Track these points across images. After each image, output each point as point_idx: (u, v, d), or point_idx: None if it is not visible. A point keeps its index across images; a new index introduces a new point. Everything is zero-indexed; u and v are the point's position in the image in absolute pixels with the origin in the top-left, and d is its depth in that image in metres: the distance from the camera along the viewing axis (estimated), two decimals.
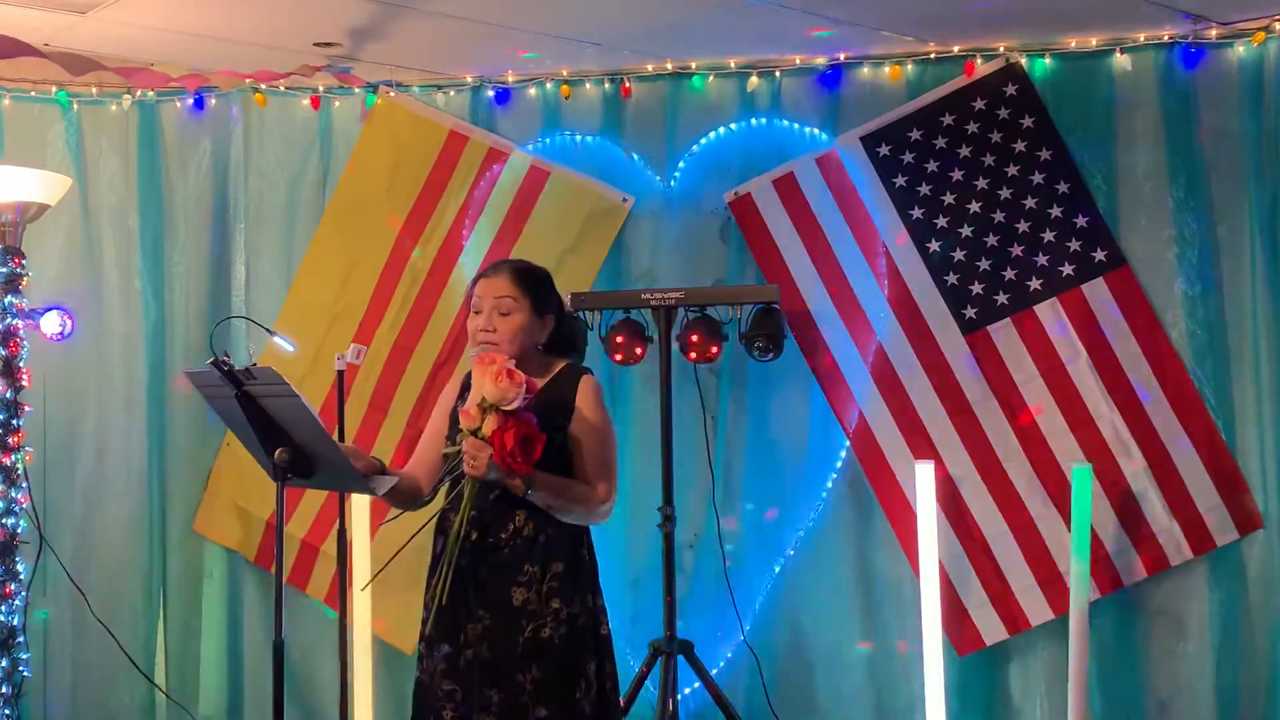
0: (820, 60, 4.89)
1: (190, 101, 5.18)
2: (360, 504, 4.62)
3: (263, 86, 5.12)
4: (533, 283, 3.20)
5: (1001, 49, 4.77)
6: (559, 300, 3.29)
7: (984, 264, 4.77)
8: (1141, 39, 4.67)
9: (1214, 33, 4.60)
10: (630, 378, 4.90)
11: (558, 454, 3.10)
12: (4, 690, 4.49)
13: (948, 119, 4.80)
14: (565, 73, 5.03)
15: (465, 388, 3.22)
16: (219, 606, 5.18)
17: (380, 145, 5.09)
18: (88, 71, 4.83)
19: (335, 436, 3.40)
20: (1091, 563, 4.49)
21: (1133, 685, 4.68)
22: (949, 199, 4.80)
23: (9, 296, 4.51)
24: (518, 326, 3.14)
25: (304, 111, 5.16)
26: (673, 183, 5.01)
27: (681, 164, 5.00)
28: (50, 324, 4.56)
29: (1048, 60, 4.75)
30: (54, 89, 5.10)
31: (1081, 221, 4.70)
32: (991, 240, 4.77)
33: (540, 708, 3.03)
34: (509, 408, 2.92)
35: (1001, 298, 4.76)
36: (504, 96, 5.09)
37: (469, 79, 5.09)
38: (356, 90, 5.15)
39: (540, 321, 3.20)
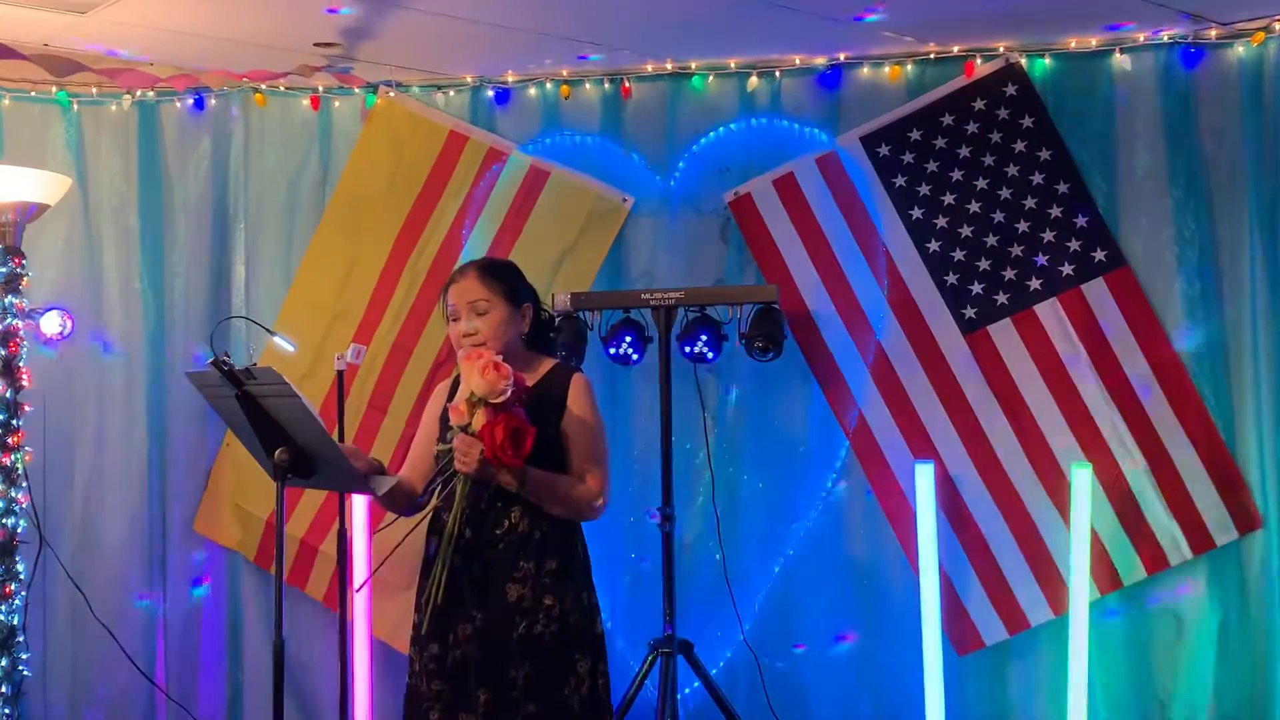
0: (820, 60, 4.89)
1: (190, 101, 5.18)
2: (360, 504, 4.62)
3: (263, 86, 5.12)
4: (500, 276, 3.22)
5: (1001, 49, 4.77)
6: (531, 287, 3.31)
7: (984, 264, 4.77)
8: (1141, 39, 4.67)
9: (1214, 33, 4.60)
10: (630, 378, 4.90)
11: (550, 452, 3.11)
12: (4, 690, 4.49)
13: (947, 119, 4.80)
14: (565, 73, 5.03)
15: (454, 388, 3.23)
16: (219, 606, 5.18)
17: (380, 145, 5.09)
18: (72, 73, 4.82)
19: (335, 436, 3.40)
20: (1091, 563, 4.51)
21: (1133, 685, 4.68)
22: (949, 199, 4.80)
23: (9, 296, 4.51)
24: (498, 322, 3.16)
25: (304, 111, 5.16)
26: (673, 183, 5.01)
27: (681, 164, 5.00)
28: (50, 324, 4.56)
29: (1048, 60, 4.75)
30: (54, 89, 5.10)
31: (1081, 221, 4.70)
32: (991, 240, 4.77)
33: (530, 704, 3.04)
34: (497, 400, 2.92)
35: (1001, 298, 4.76)
36: (504, 96, 5.09)
37: (469, 79, 5.09)
38: (356, 90, 5.15)
39: (519, 312, 3.22)
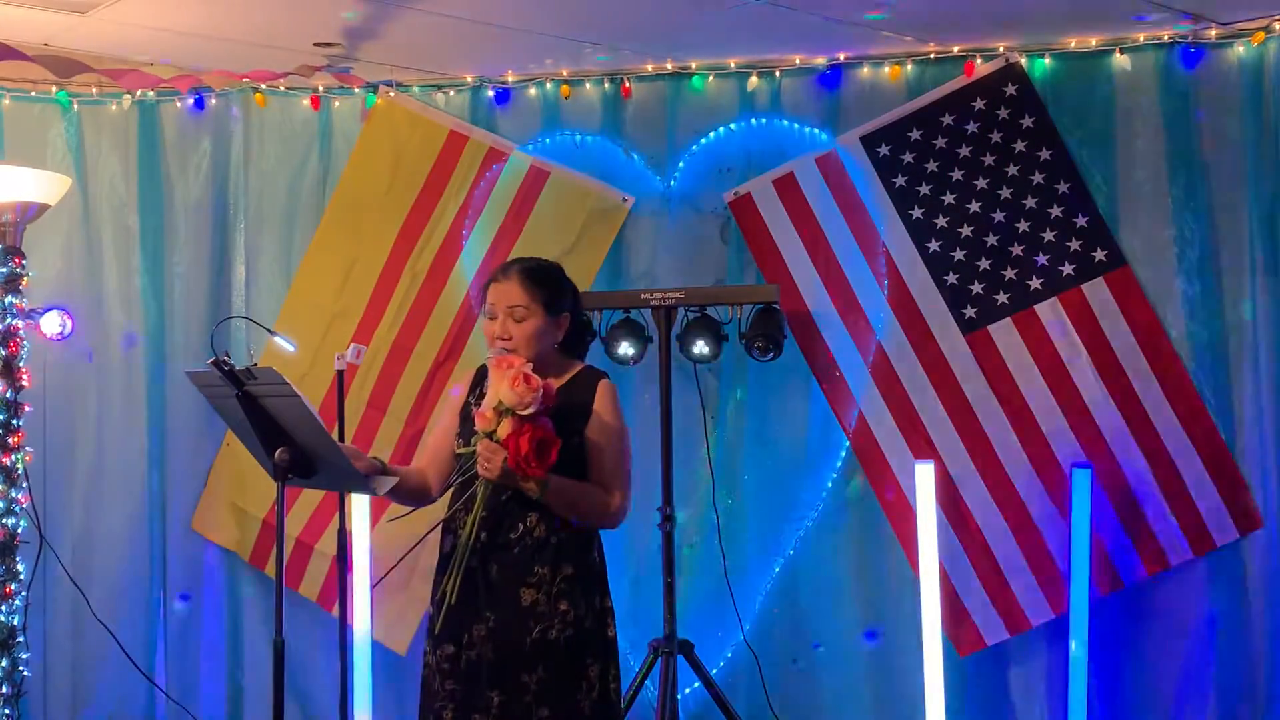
0: (820, 60, 4.89)
1: (190, 101, 5.18)
2: (360, 504, 4.62)
3: (263, 86, 5.12)
4: (544, 283, 3.16)
5: (1001, 49, 4.77)
6: (572, 293, 3.25)
7: (984, 264, 4.77)
8: (1141, 39, 4.67)
9: (1214, 33, 4.60)
10: (630, 378, 4.90)
11: (573, 457, 3.08)
12: (4, 690, 4.49)
13: (948, 119, 4.80)
14: (565, 73, 5.03)
15: (476, 383, 3.21)
16: (219, 607, 5.18)
17: (380, 145, 5.09)
18: (76, 74, 4.82)
19: (335, 436, 3.40)
20: (1091, 563, 4.51)
21: (1133, 685, 4.68)
22: (949, 199, 4.80)
23: (9, 296, 4.51)
24: (533, 331, 3.12)
25: (304, 111, 5.16)
26: (673, 183, 5.01)
27: (681, 164, 5.00)
28: (50, 324, 4.56)
29: (1048, 60, 4.75)
30: (54, 89, 5.10)
31: (1081, 221, 4.70)
32: (991, 240, 4.77)
33: (543, 708, 3.03)
34: (525, 412, 2.91)
35: (1001, 297, 4.76)
36: (504, 96, 5.09)
37: (469, 79, 5.09)
38: (356, 90, 5.15)
39: (555, 321, 3.17)
